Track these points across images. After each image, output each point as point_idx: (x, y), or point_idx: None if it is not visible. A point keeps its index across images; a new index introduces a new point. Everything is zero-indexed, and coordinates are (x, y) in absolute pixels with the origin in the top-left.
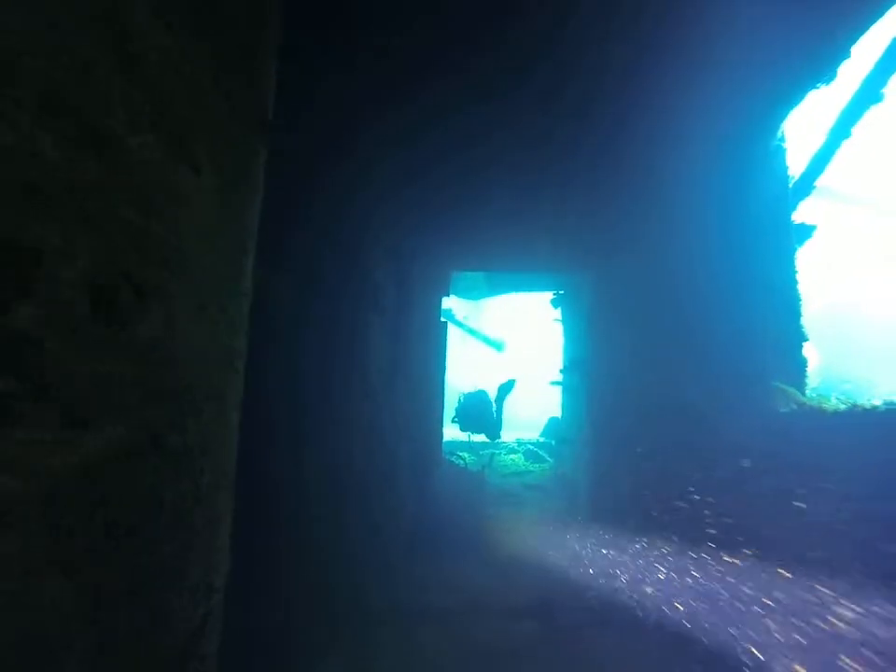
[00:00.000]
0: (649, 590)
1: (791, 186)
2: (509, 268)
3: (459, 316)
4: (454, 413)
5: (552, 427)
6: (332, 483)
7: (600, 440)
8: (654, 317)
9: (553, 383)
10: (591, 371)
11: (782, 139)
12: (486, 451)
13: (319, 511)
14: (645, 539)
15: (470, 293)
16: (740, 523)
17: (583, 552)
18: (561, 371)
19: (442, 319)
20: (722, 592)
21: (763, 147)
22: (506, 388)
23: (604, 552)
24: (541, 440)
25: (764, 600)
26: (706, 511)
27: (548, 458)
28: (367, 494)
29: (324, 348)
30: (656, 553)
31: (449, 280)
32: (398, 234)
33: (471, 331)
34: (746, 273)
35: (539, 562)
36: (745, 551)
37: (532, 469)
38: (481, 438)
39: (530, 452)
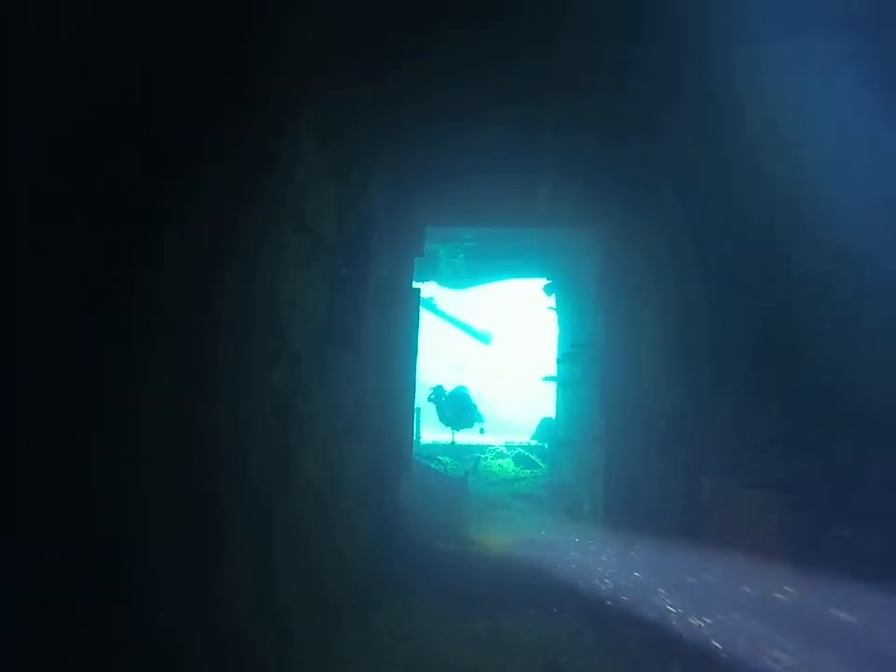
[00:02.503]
0: None
1: None
2: (499, 223)
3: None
4: (436, 407)
5: (544, 428)
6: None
7: (618, 436)
8: (699, 283)
9: (546, 378)
10: (605, 355)
11: None
12: (471, 455)
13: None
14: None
15: (452, 281)
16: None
17: (618, 583)
18: (557, 363)
19: (416, 285)
20: None
21: None
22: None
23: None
24: (533, 443)
25: None
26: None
27: (540, 463)
28: (269, 525)
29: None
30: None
31: (423, 236)
32: (346, 141)
33: (454, 321)
34: None
35: (556, 616)
36: None
37: (523, 475)
38: (464, 438)
39: (521, 456)
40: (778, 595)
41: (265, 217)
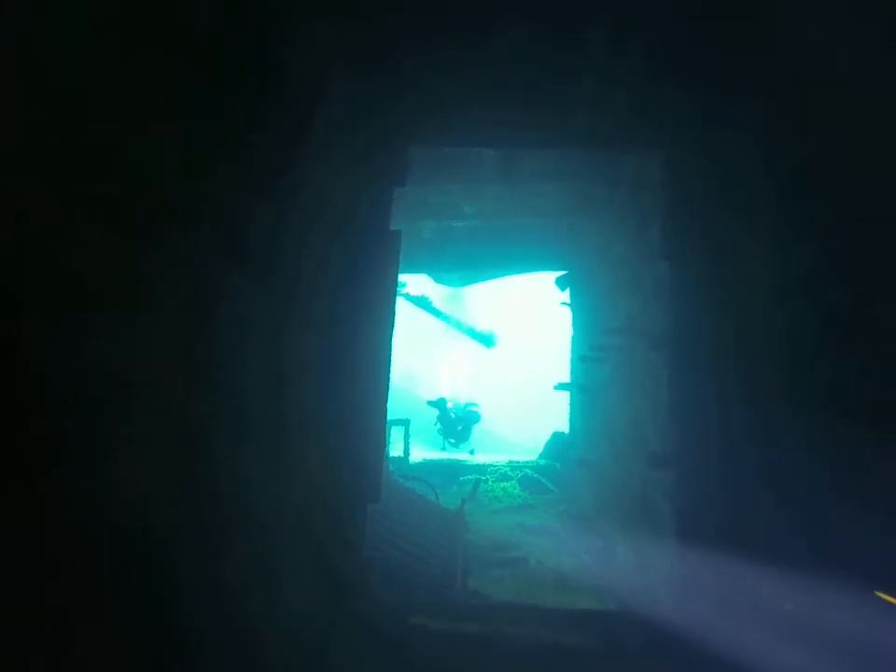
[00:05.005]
0: None
1: None
2: (518, 142)
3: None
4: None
5: (555, 445)
6: None
7: (698, 458)
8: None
9: (559, 386)
10: (676, 335)
11: None
12: (469, 476)
13: None
14: None
15: (450, 279)
16: None
17: None
18: (572, 366)
19: (395, 229)
20: None
21: None
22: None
23: None
24: (542, 462)
25: None
26: None
27: (552, 487)
28: None
29: None
30: None
31: (405, 159)
32: None
33: (453, 321)
34: None
35: None
36: None
37: (532, 501)
38: (461, 456)
39: (528, 479)
40: None
41: None
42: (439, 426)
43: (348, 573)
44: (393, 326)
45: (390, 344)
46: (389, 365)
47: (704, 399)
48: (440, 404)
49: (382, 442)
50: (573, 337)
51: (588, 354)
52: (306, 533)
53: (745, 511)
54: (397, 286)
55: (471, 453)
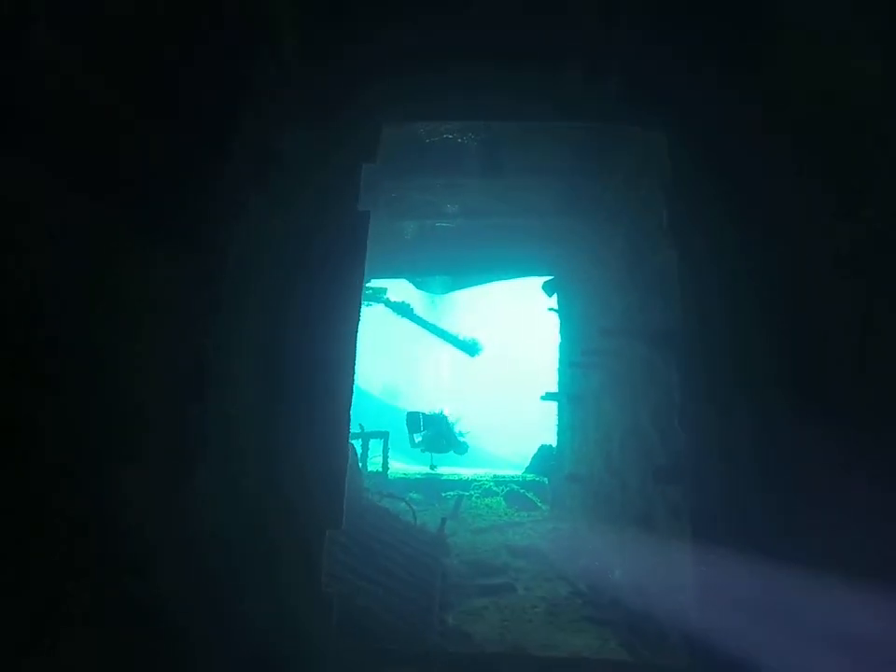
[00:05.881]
0: None
1: None
2: (503, 113)
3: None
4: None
5: (542, 458)
6: None
7: (718, 470)
8: None
9: (547, 396)
10: (690, 328)
11: None
12: (450, 491)
13: None
14: None
15: (432, 285)
16: None
17: None
18: (561, 375)
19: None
20: None
21: None
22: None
23: None
24: (528, 477)
25: None
26: None
27: (539, 504)
28: None
29: None
30: None
31: (376, 133)
32: None
33: (435, 329)
34: None
35: None
36: None
37: (518, 518)
38: (444, 471)
39: (514, 494)
40: None
41: None
42: (419, 438)
43: (297, 620)
44: (358, 320)
45: (355, 341)
46: (353, 365)
47: (724, 403)
48: (414, 417)
49: (343, 457)
50: (561, 344)
51: (579, 359)
52: (232, 579)
53: (777, 535)
54: (363, 275)
55: (432, 468)
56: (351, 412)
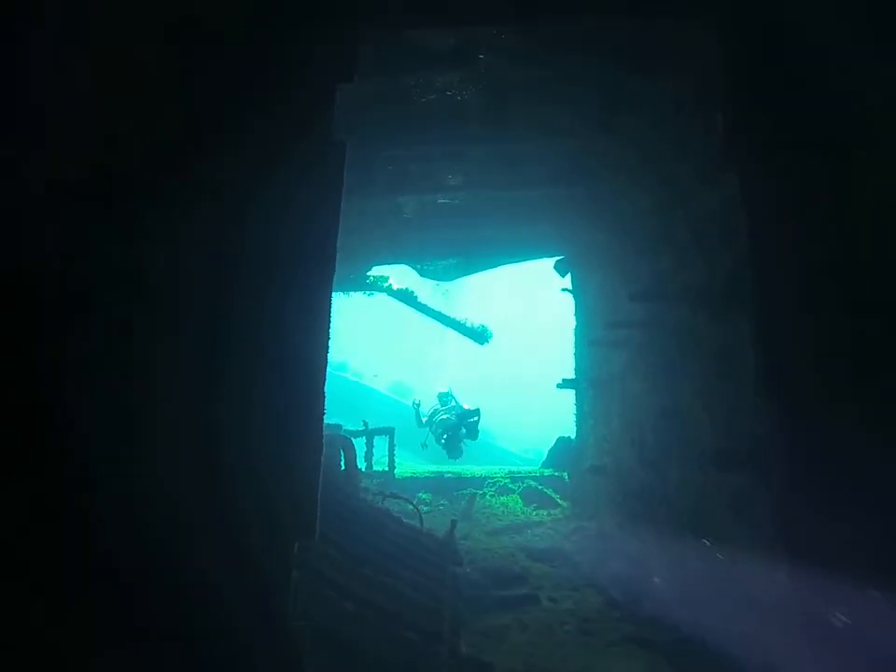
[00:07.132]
0: None
1: None
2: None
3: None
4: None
5: (562, 452)
6: None
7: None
8: None
9: (563, 384)
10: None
11: None
12: (463, 490)
13: None
14: None
15: (436, 271)
16: None
17: None
18: (578, 359)
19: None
20: None
21: None
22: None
23: None
24: (546, 472)
25: None
26: None
27: (559, 501)
28: None
29: None
30: None
31: (354, 43)
32: None
33: (441, 317)
34: None
35: None
36: None
37: (537, 517)
38: (457, 469)
39: (532, 491)
40: None
41: None
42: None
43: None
44: (331, 279)
45: (328, 307)
46: (327, 333)
47: (826, 364)
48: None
49: (316, 449)
50: (576, 327)
51: (600, 336)
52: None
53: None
54: (337, 223)
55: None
56: (325, 393)
